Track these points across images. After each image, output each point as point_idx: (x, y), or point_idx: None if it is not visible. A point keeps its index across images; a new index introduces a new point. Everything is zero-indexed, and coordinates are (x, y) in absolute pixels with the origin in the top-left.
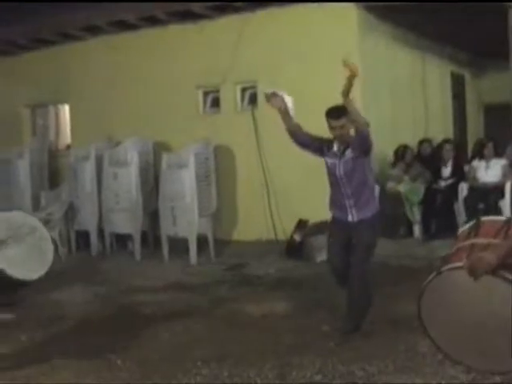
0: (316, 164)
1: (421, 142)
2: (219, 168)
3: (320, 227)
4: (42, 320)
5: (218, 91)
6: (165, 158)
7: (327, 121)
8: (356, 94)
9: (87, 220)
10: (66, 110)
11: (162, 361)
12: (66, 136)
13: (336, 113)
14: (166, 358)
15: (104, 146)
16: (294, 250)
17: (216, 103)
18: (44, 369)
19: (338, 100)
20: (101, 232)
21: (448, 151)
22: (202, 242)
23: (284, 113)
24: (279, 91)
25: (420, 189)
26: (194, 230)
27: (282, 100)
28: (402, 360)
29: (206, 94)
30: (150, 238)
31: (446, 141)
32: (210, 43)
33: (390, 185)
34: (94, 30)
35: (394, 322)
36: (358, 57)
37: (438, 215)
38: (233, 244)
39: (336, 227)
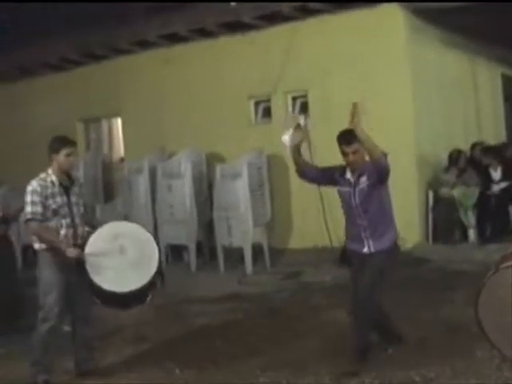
0: None
1: (473, 146)
2: (272, 177)
3: None
4: (99, 332)
5: (269, 101)
6: (218, 169)
7: (339, 146)
8: (407, 98)
9: None
10: (118, 123)
11: (219, 370)
12: (120, 149)
13: (348, 137)
14: (223, 367)
15: (157, 158)
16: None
17: (267, 113)
18: (103, 379)
19: (388, 106)
20: (156, 243)
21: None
22: (257, 251)
23: (297, 150)
24: (299, 118)
25: (474, 193)
26: (249, 240)
27: (303, 134)
28: (459, 365)
29: (257, 103)
30: (206, 248)
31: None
32: (260, 53)
33: (444, 190)
34: (144, 44)
35: (451, 326)
36: (407, 61)
37: (493, 219)
38: (288, 252)
39: (353, 260)
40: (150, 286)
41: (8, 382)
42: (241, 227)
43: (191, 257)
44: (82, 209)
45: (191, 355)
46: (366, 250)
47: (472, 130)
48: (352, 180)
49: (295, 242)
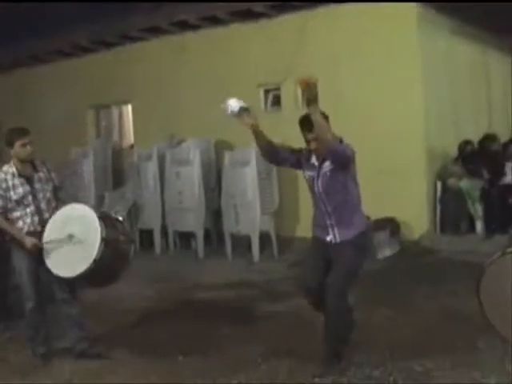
0: (376, 160)
1: (484, 138)
2: None
3: (381, 224)
4: (105, 316)
5: (278, 89)
6: (227, 156)
7: (301, 132)
8: (417, 88)
9: (151, 219)
10: (129, 110)
11: (224, 357)
12: (130, 136)
13: (309, 124)
14: (228, 354)
15: (166, 145)
16: None
17: (277, 101)
18: (107, 364)
19: (397, 96)
20: (164, 230)
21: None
22: (264, 239)
23: (257, 130)
24: (241, 103)
25: (479, 185)
26: (257, 228)
27: (254, 116)
28: (461, 356)
29: (267, 92)
30: (213, 235)
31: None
32: (270, 42)
33: (451, 181)
34: (155, 31)
35: (454, 317)
36: (418, 51)
37: (500, 211)
38: (295, 240)
39: (315, 247)
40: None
41: (15, 363)
42: (248, 215)
43: (199, 244)
44: (48, 194)
45: (196, 341)
46: (330, 238)
47: (482, 120)
48: (316, 164)
49: (302, 231)
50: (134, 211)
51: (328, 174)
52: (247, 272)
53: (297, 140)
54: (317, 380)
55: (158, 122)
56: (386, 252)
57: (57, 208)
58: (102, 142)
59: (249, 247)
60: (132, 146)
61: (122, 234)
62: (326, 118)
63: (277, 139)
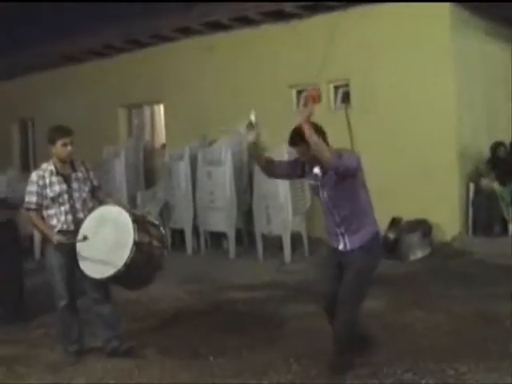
0: (408, 161)
1: None
2: None
3: (414, 225)
4: (137, 316)
5: None
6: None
7: (291, 146)
8: (450, 89)
9: (182, 218)
10: (160, 109)
11: (255, 358)
12: (161, 135)
13: (292, 139)
14: (259, 354)
15: (198, 145)
16: (388, 247)
17: None
18: (138, 363)
19: (430, 97)
20: (196, 230)
21: None
22: (295, 239)
23: (254, 149)
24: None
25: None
26: (288, 228)
27: (255, 134)
28: (494, 360)
29: (299, 92)
30: (245, 236)
31: None
32: (302, 42)
33: (484, 182)
34: (187, 31)
35: (487, 321)
36: (451, 52)
37: None
38: (326, 241)
39: (331, 255)
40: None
41: (48, 361)
42: (280, 216)
43: (230, 244)
44: (85, 194)
45: (226, 342)
46: (341, 247)
47: None
48: (319, 174)
49: None
50: (166, 211)
51: (332, 183)
52: (278, 273)
53: (329, 139)
54: (349, 382)
55: (190, 121)
56: (417, 254)
57: (93, 208)
58: (133, 141)
59: (280, 248)
60: (164, 146)
61: (155, 238)
62: (322, 133)
63: None
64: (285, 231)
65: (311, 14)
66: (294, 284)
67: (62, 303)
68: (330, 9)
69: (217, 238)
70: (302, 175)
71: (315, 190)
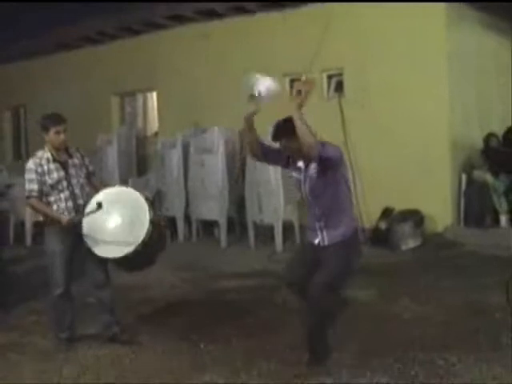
0: (401, 152)
1: (508, 131)
2: None
3: (406, 215)
4: (129, 302)
5: None
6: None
7: (273, 139)
8: (443, 80)
9: (174, 206)
10: (153, 97)
11: (245, 346)
12: (154, 123)
13: (276, 134)
14: (249, 342)
15: (190, 133)
16: (380, 237)
17: None
18: (129, 350)
19: (423, 88)
20: (187, 218)
21: None
22: (287, 228)
23: (251, 123)
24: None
25: (506, 178)
26: (280, 217)
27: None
28: (484, 351)
29: (292, 81)
30: (236, 224)
31: None
32: (296, 31)
33: (477, 173)
34: (181, 19)
35: (478, 311)
36: (445, 43)
37: None
38: None
39: (305, 247)
40: (146, 250)
41: (40, 347)
42: (272, 204)
43: (222, 232)
44: (82, 180)
45: (217, 330)
46: (317, 240)
47: (509, 114)
48: (302, 167)
49: None
50: (158, 199)
51: (314, 176)
52: (270, 261)
53: (321, 128)
54: (337, 371)
55: (183, 109)
56: (409, 244)
57: (88, 195)
58: (126, 129)
59: (272, 236)
60: (156, 134)
61: (161, 218)
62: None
63: None
64: (277, 220)
65: (305, 2)
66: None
67: (58, 291)
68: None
69: (208, 226)
70: (287, 166)
71: (297, 183)
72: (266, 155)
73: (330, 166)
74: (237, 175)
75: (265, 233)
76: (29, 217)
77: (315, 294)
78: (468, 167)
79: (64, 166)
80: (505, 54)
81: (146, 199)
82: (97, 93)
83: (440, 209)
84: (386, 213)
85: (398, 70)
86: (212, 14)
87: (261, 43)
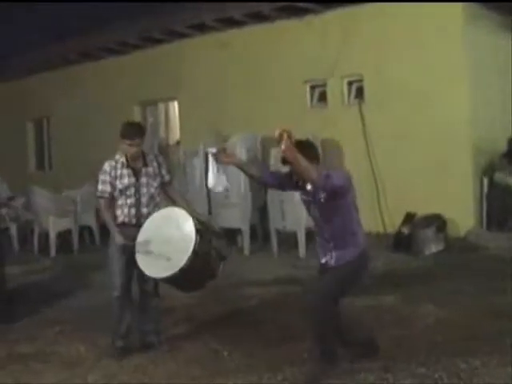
0: (422, 156)
1: None
2: (326, 161)
3: (428, 220)
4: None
5: (324, 85)
6: (273, 153)
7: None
8: (464, 83)
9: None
10: (175, 106)
11: (269, 353)
12: (176, 132)
13: (282, 159)
14: (272, 350)
15: (212, 141)
16: (402, 242)
17: (323, 97)
18: (152, 359)
19: (444, 91)
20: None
21: None
22: (310, 235)
23: (241, 165)
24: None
25: None
26: (303, 224)
27: (232, 154)
28: (507, 354)
29: (312, 88)
30: (259, 232)
31: None
32: (316, 38)
33: (499, 177)
34: (201, 28)
35: (501, 315)
36: (464, 46)
37: None
38: None
39: (319, 268)
40: (193, 274)
41: (64, 356)
42: (294, 211)
43: (245, 240)
44: (153, 190)
45: (241, 338)
46: (324, 260)
47: None
48: (311, 191)
49: None
50: None
51: (323, 201)
52: (293, 268)
53: (342, 134)
54: (362, 375)
55: (205, 118)
56: (432, 248)
57: (160, 204)
58: (148, 138)
59: (295, 243)
60: (178, 143)
61: (214, 248)
62: (312, 148)
63: (322, 135)
64: (299, 227)
65: (325, 9)
66: (309, 279)
67: (115, 294)
68: (345, 4)
69: (232, 234)
70: (296, 189)
71: (307, 205)
72: (273, 183)
73: (336, 194)
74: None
75: (288, 240)
76: (53, 228)
77: (313, 295)
78: (490, 170)
79: (136, 173)
80: None
81: (198, 230)
82: (119, 102)
83: (462, 213)
84: (409, 218)
85: (418, 74)
86: (231, 22)
87: (281, 51)
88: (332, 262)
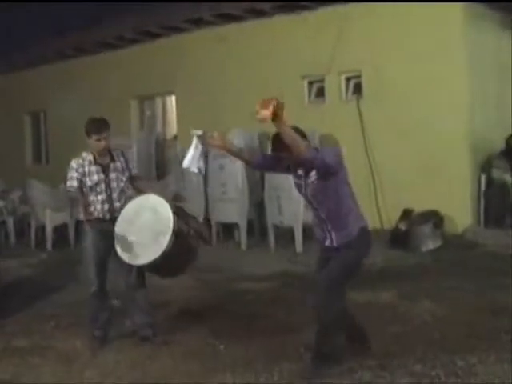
0: (420, 153)
1: None
2: None
3: (425, 216)
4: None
5: (322, 81)
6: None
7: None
8: (462, 81)
9: (194, 210)
10: (172, 101)
11: (266, 347)
12: (173, 127)
13: (271, 146)
14: (270, 344)
15: (210, 136)
16: (399, 239)
17: (321, 93)
18: (149, 353)
19: (442, 89)
20: (207, 221)
21: None
22: (307, 230)
23: (232, 149)
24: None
25: None
26: (300, 219)
27: (221, 137)
28: (505, 351)
29: (310, 83)
30: (256, 227)
31: None
32: (314, 33)
33: (496, 174)
34: (199, 22)
35: (499, 312)
36: (463, 44)
37: None
38: None
39: (320, 249)
40: (174, 258)
41: (60, 351)
42: (291, 206)
43: (242, 235)
44: (122, 184)
45: (238, 332)
46: (328, 242)
47: None
48: (302, 174)
49: None
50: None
51: (315, 182)
52: (290, 263)
53: (339, 130)
54: (359, 373)
55: (202, 112)
56: (429, 245)
57: (131, 197)
58: (145, 132)
59: (292, 238)
60: (175, 137)
61: (193, 229)
62: (301, 133)
63: (320, 131)
64: (296, 222)
65: (322, 4)
66: (306, 274)
67: (92, 289)
68: (341, 0)
69: (229, 229)
70: (287, 171)
71: (299, 189)
72: (269, 167)
73: (328, 171)
74: None
75: (285, 235)
76: (49, 221)
77: (323, 287)
78: (487, 167)
79: (105, 169)
80: None
81: (174, 212)
82: (116, 97)
83: (459, 210)
84: (406, 214)
85: (417, 70)
86: (229, 17)
87: (278, 46)
88: (334, 244)
